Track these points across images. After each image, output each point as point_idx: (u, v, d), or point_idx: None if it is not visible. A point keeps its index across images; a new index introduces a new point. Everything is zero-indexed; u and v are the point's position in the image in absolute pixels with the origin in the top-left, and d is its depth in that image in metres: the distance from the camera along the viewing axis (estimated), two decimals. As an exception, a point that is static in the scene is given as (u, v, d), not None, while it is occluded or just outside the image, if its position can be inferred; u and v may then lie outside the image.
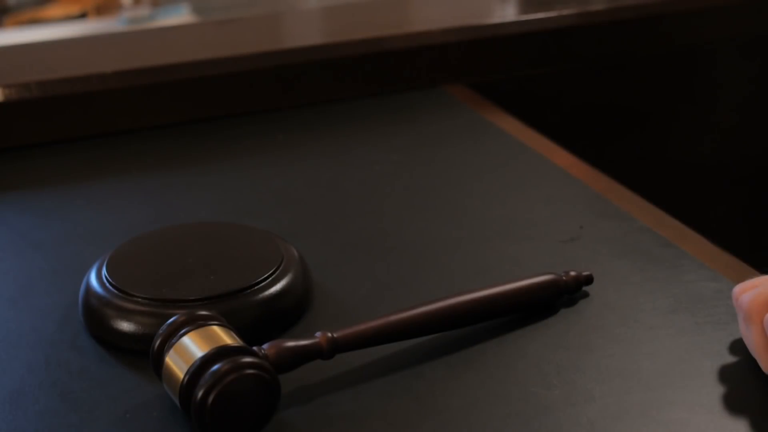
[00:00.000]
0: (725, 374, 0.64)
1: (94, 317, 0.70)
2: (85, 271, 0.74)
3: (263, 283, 0.70)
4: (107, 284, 0.70)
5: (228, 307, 0.68)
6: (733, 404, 0.61)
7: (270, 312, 0.70)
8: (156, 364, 0.62)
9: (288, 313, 0.71)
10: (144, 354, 0.64)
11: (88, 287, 0.71)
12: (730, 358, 0.66)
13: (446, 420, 0.60)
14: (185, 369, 0.58)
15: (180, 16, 2.78)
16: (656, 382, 0.63)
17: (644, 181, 1.00)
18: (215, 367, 0.57)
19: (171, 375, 0.60)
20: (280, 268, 0.72)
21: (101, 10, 3.02)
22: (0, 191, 0.96)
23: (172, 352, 0.60)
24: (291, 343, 0.62)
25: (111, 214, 0.90)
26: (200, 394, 0.57)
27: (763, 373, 0.63)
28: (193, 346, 0.60)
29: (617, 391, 0.63)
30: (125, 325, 0.68)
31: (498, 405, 0.62)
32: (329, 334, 0.63)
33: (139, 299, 0.68)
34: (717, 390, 0.62)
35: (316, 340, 0.63)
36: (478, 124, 1.09)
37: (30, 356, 0.68)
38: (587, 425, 0.59)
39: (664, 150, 1.37)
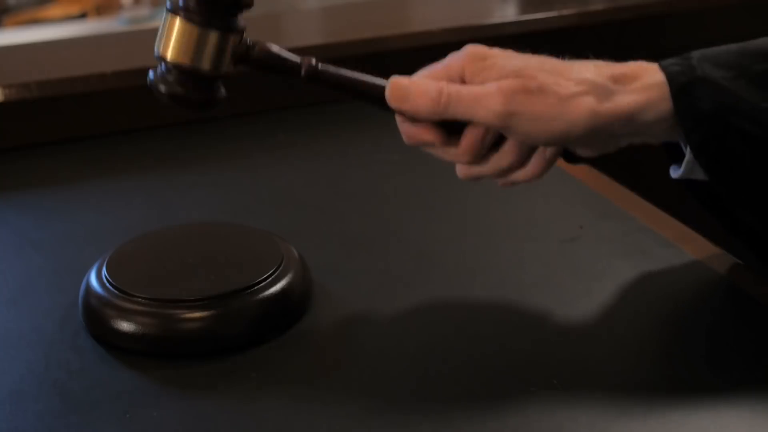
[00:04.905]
0: (725, 375, 0.64)
1: (94, 317, 0.70)
2: (85, 271, 0.74)
3: (263, 283, 0.70)
4: (107, 284, 0.70)
5: (228, 307, 0.68)
6: (734, 404, 0.61)
7: (270, 312, 0.70)
8: None
9: (288, 312, 0.71)
10: (144, 354, 0.64)
11: (88, 287, 0.71)
12: (730, 359, 0.66)
13: (446, 420, 0.60)
14: None
15: (180, 16, 2.78)
16: (656, 382, 0.63)
17: (644, 181, 1.00)
18: None
19: None
20: (280, 268, 0.72)
21: (101, 10, 3.03)
22: (0, 191, 0.96)
23: None
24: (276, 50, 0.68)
25: (111, 214, 0.91)
26: None
27: (763, 375, 0.63)
28: None
29: (617, 391, 0.62)
30: (125, 325, 0.68)
31: (498, 405, 0.62)
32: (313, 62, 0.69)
33: (139, 299, 0.68)
34: (717, 390, 0.62)
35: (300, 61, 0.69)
36: (478, 124, 1.09)
37: (30, 356, 0.68)
38: (587, 425, 0.59)
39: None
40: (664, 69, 0.65)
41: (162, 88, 0.67)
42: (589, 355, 0.66)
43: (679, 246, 0.80)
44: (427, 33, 1.20)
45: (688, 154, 0.68)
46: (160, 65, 0.67)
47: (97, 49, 1.23)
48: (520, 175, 0.68)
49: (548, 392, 0.62)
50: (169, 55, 0.66)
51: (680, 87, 0.64)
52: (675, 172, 0.71)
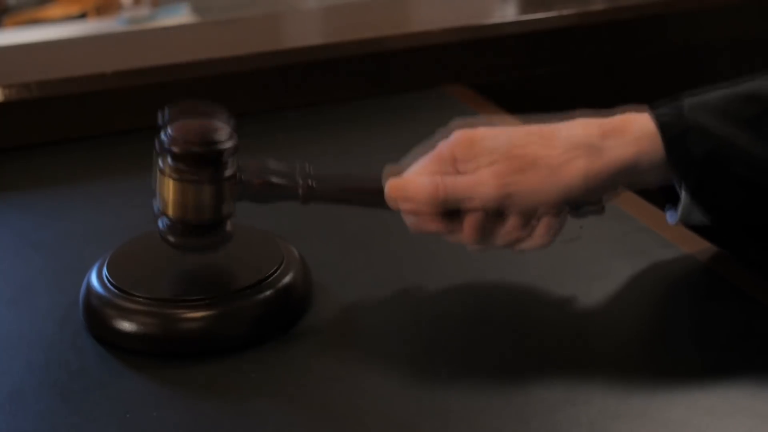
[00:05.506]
0: (725, 375, 0.64)
1: (95, 317, 0.70)
2: (85, 271, 0.74)
3: (263, 283, 0.70)
4: (108, 284, 0.70)
5: (228, 307, 0.68)
6: (733, 404, 0.61)
7: (270, 312, 0.70)
8: None
9: (288, 312, 0.71)
10: (144, 354, 0.64)
11: (89, 287, 0.71)
12: (730, 359, 0.66)
13: (446, 420, 0.60)
14: None
15: (180, 16, 2.78)
16: (656, 381, 0.63)
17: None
18: None
19: None
20: (280, 268, 0.72)
21: (101, 10, 3.02)
22: (0, 191, 0.96)
23: None
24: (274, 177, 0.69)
25: (111, 214, 0.90)
26: None
27: (763, 375, 0.63)
28: None
29: (617, 391, 0.63)
30: (126, 325, 0.68)
31: (498, 405, 0.62)
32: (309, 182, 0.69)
33: (140, 299, 0.68)
34: (717, 390, 0.62)
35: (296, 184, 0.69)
36: (478, 124, 1.09)
37: (30, 356, 0.68)
38: (587, 425, 0.59)
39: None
40: (655, 119, 0.67)
41: (172, 240, 0.69)
42: (589, 355, 0.66)
43: (678, 246, 0.80)
44: (427, 33, 1.20)
45: (684, 198, 0.69)
46: (164, 219, 0.68)
47: (97, 49, 1.23)
48: (528, 244, 0.70)
49: (548, 392, 0.62)
50: (171, 213, 0.68)
51: (672, 137, 0.66)
52: (672, 218, 0.73)
